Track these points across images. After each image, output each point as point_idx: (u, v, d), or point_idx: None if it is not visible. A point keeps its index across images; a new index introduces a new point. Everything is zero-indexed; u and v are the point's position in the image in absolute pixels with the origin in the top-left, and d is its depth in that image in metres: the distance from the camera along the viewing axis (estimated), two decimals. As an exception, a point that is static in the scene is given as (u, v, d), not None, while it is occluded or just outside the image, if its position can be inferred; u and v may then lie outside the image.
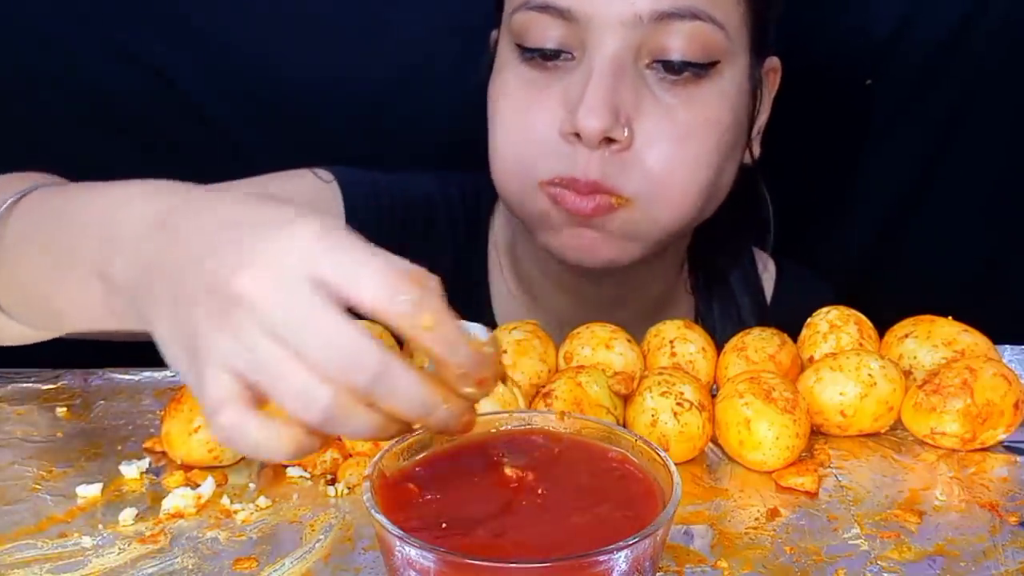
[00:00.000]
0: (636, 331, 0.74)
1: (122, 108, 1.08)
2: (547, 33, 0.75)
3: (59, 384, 0.74)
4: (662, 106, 0.75)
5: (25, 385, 0.74)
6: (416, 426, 0.45)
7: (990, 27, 1.10)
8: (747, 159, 0.86)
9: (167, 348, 0.46)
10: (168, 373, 0.75)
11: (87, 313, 0.56)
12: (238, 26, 1.07)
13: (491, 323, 0.94)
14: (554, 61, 0.76)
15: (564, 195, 0.75)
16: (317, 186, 0.88)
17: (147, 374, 0.75)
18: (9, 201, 0.62)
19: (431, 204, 0.93)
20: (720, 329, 0.94)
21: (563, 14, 0.74)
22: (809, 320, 0.74)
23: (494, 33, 0.85)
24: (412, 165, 0.97)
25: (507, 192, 0.81)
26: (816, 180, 1.20)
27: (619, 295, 0.91)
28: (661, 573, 0.52)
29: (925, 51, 1.12)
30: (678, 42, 0.73)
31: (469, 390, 0.44)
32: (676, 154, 0.75)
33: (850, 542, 0.55)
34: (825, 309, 0.74)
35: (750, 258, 1.00)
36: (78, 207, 0.58)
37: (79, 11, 1.05)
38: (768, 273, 1.02)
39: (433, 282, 0.43)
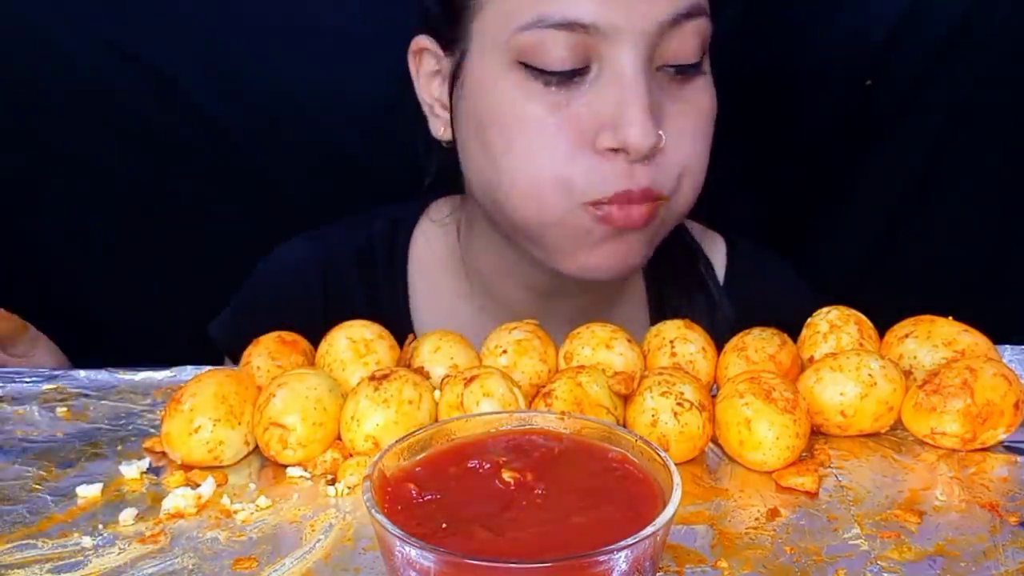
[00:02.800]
0: (598, 315, 0.76)
1: (122, 108, 1.08)
2: (565, 52, 0.73)
3: (59, 384, 0.74)
4: (678, 104, 0.77)
5: (25, 385, 0.74)
6: None
7: (990, 27, 1.10)
8: None
9: None
10: (168, 373, 0.75)
11: None
12: (239, 27, 1.07)
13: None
14: (574, 79, 0.75)
15: (612, 212, 0.76)
16: None
17: (147, 374, 0.75)
18: None
19: (299, 278, 0.98)
20: (674, 301, 0.97)
21: (586, 29, 0.72)
22: (809, 320, 0.74)
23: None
24: (412, 167, 0.97)
25: (532, 217, 0.79)
26: (816, 180, 1.20)
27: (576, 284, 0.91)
28: (661, 573, 0.52)
29: (925, 51, 1.12)
30: (686, 41, 0.75)
31: None
32: (694, 147, 0.79)
33: (850, 542, 0.55)
34: (825, 309, 0.74)
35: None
36: None
37: (79, 11, 1.05)
38: (717, 248, 1.01)
39: None
